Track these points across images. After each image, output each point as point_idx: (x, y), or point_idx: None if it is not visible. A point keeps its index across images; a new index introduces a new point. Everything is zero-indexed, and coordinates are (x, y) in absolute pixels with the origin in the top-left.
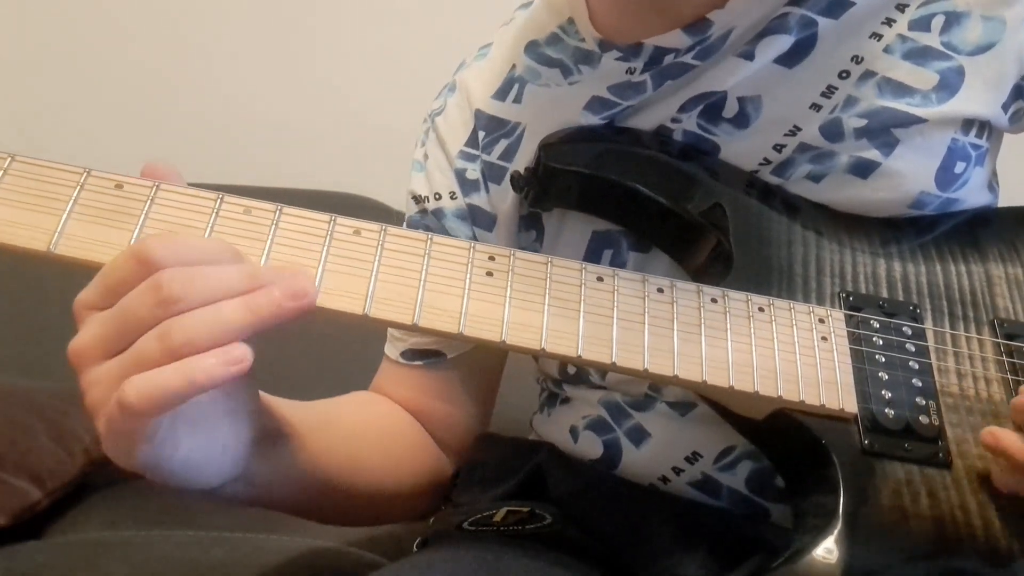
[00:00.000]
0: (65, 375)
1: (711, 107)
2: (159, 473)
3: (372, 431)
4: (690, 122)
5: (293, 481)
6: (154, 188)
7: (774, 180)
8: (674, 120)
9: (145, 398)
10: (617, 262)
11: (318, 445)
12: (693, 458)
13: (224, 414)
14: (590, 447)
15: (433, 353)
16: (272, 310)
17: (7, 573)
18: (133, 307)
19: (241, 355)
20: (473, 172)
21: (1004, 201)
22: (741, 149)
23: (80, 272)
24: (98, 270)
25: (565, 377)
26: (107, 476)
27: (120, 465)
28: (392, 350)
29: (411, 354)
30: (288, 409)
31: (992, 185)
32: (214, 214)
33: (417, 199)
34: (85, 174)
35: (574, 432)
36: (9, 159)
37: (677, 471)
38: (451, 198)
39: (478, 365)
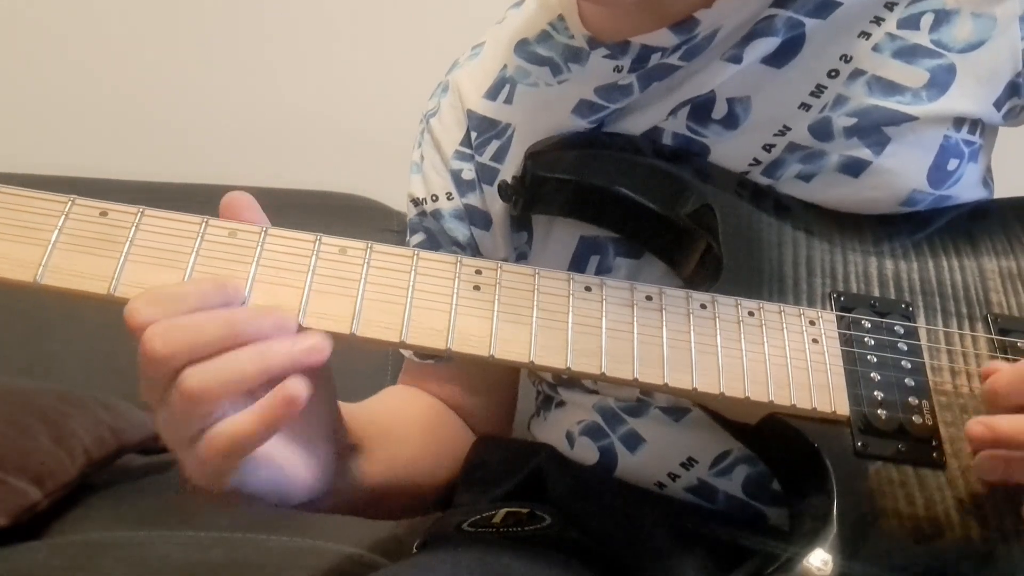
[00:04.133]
0: (65, 375)
1: (700, 108)
2: (247, 492)
3: (419, 430)
4: (679, 124)
5: (365, 488)
6: (139, 214)
7: (764, 181)
8: (663, 123)
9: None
10: (604, 268)
11: (382, 453)
12: (688, 464)
13: (307, 439)
14: (586, 453)
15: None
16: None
17: (7, 573)
18: (140, 365)
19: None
20: (469, 172)
21: (999, 194)
22: (731, 150)
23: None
24: (86, 299)
25: (559, 380)
26: (107, 476)
27: (208, 488)
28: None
29: (423, 354)
30: (353, 421)
31: (987, 181)
32: (199, 238)
33: (416, 202)
34: (69, 203)
35: (570, 438)
36: None
37: (673, 477)
38: (448, 199)
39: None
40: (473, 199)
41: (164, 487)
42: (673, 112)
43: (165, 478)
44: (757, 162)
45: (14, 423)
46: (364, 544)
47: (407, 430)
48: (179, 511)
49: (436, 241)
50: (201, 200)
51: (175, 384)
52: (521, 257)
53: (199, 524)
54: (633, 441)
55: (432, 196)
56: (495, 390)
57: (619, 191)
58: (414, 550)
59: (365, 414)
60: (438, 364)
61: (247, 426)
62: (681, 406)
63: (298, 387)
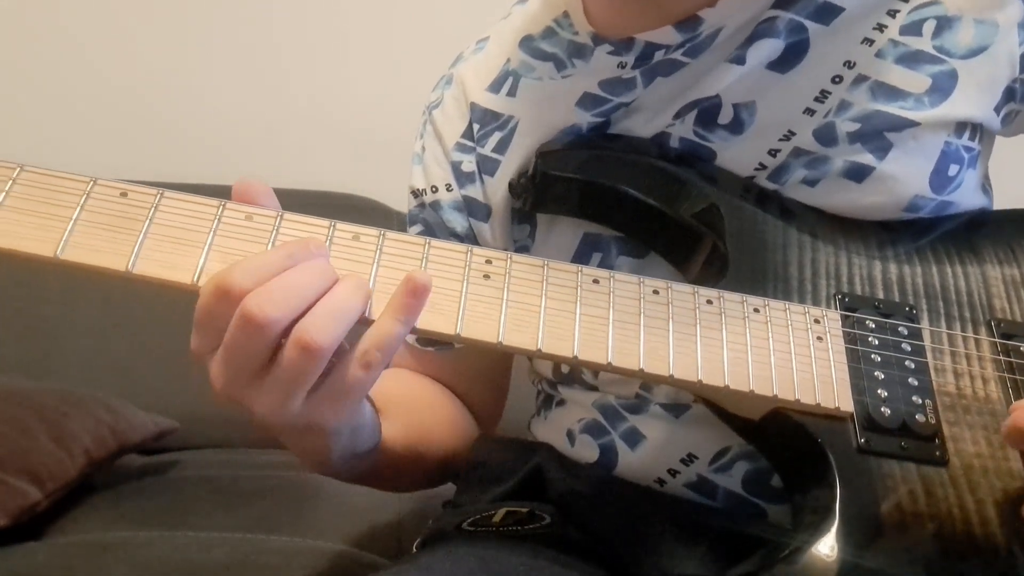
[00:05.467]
0: (65, 375)
1: (706, 114)
2: (356, 425)
3: (427, 404)
4: (686, 129)
5: (388, 450)
6: (158, 196)
7: (770, 186)
8: (669, 127)
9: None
10: (605, 266)
11: (399, 420)
12: (688, 460)
13: None
14: (586, 451)
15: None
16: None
17: (7, 573)
18: (236, 343)
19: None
20: (469, 164)
21: (998, 203)
22: (736, 155)
23: (81, 275)
24: (101, 276)
25: (559, 378)
26: (107, 476)
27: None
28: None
29: (425, 340)
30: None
31: (985, 187)
32: (216, 220)
33: (416, 193)
34: (91, 183)
35: (571, 436)
36: (18, 169)
37: (673, 473)
38: (447, 190)
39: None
40: (472, 191)
41: (164, 487)
42: (679, 116)
43: (165, 478)
44: (763, 167)
45: (14, 423)
46: (364, 544)
47: (417, 403)
48: (179, 511)
49: (434, 232)
50: None
51: (289, 341)
52: (522, 250)
53: (199, 524)
54: (634, 438)
55: (432, 187)
56: (489, 378)
57: (627, 191)
58: (414, 550)
59: (376, 387)
60: (438, 351)
61: (389, 326)
62: (681, 402)
63: (424, 275)
